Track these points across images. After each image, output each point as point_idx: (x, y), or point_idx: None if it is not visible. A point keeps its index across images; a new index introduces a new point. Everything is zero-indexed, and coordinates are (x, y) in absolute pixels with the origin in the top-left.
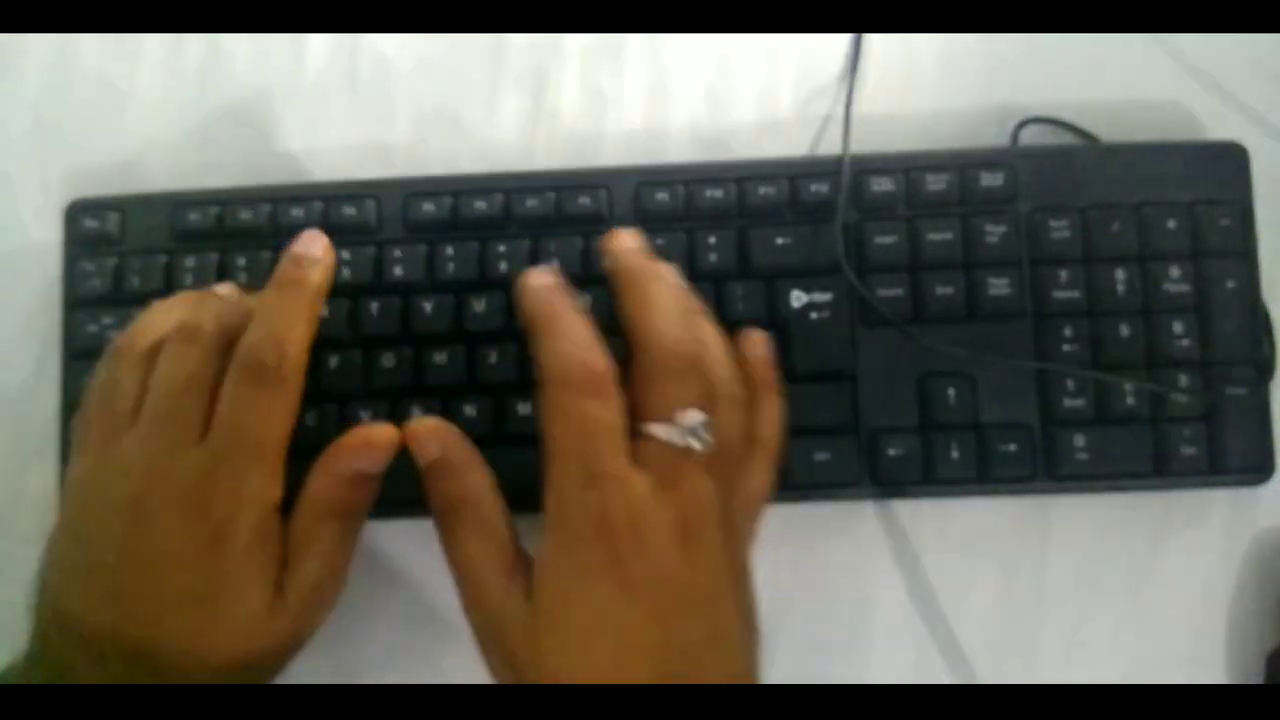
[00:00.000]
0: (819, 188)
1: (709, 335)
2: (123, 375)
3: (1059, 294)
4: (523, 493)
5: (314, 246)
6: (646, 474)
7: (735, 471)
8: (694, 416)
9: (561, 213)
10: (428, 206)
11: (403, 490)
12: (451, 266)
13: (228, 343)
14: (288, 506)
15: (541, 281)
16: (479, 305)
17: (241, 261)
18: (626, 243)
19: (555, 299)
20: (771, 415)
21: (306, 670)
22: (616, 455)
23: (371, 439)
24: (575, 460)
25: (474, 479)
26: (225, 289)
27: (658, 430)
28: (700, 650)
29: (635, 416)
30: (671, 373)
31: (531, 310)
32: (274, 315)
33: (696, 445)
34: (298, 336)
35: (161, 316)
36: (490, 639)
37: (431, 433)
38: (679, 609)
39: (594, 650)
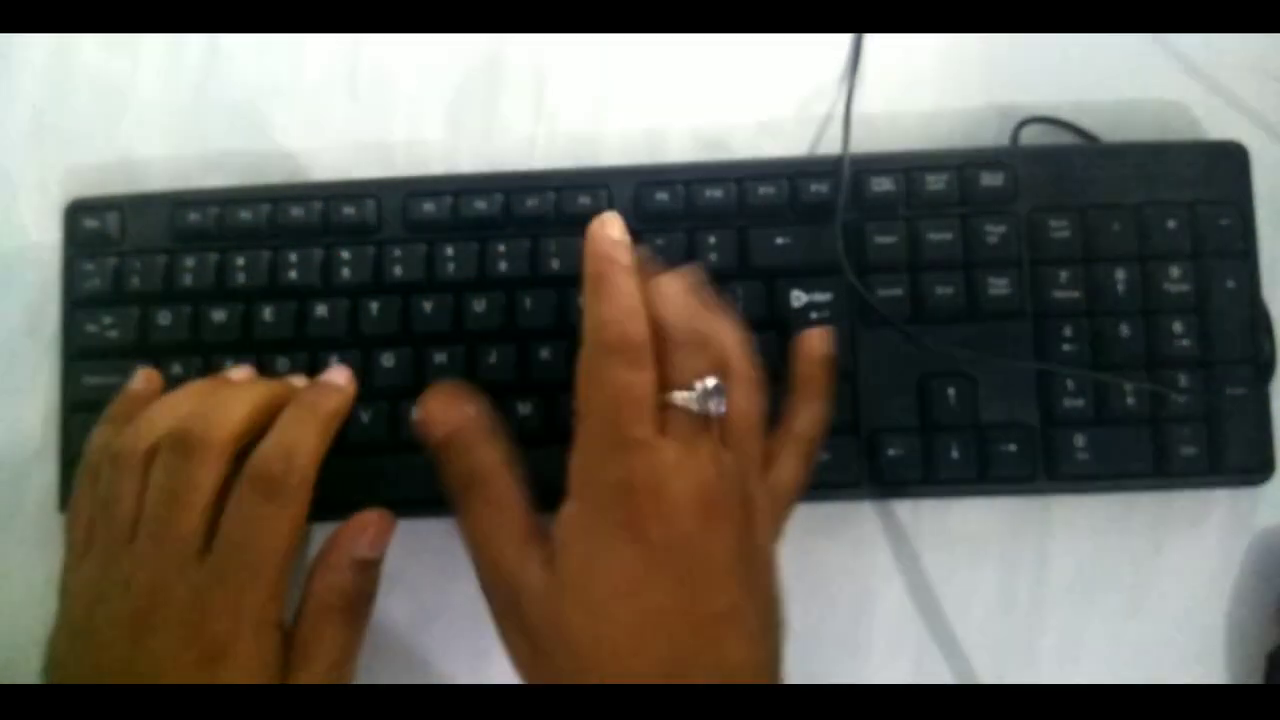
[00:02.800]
0: (819, 188)
1: (725, 323)
2: (123, 485)
3: (1059, 294)
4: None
5: (338, 376)
6: (672, 441)
7: (756, 454)
8: (712, 381)
9: (561, 213)
10: (428, 206)
11: (403, 491)
12: (451, 266)
13: (229, 449)
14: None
15: (603, 234)
16: (479, 305)
17: (241, 261)
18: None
19: (610, 257)
20: (812, 412)
21: None
22: (645, 423)
23: (369, 522)
24: (605, 425)
25: (484, 453)
26: (238, 373)
27: (678, 396)
28: (720, 625)
29: (660, 389)
30: (687, 344)
31: (588, 264)
32: (289, 428)
33: (713, 410)
34: (309, 450)
35: (163, 415)
36: (507, 610)
37: (442, 408)
38: (700, 579)
39: (615, 615)
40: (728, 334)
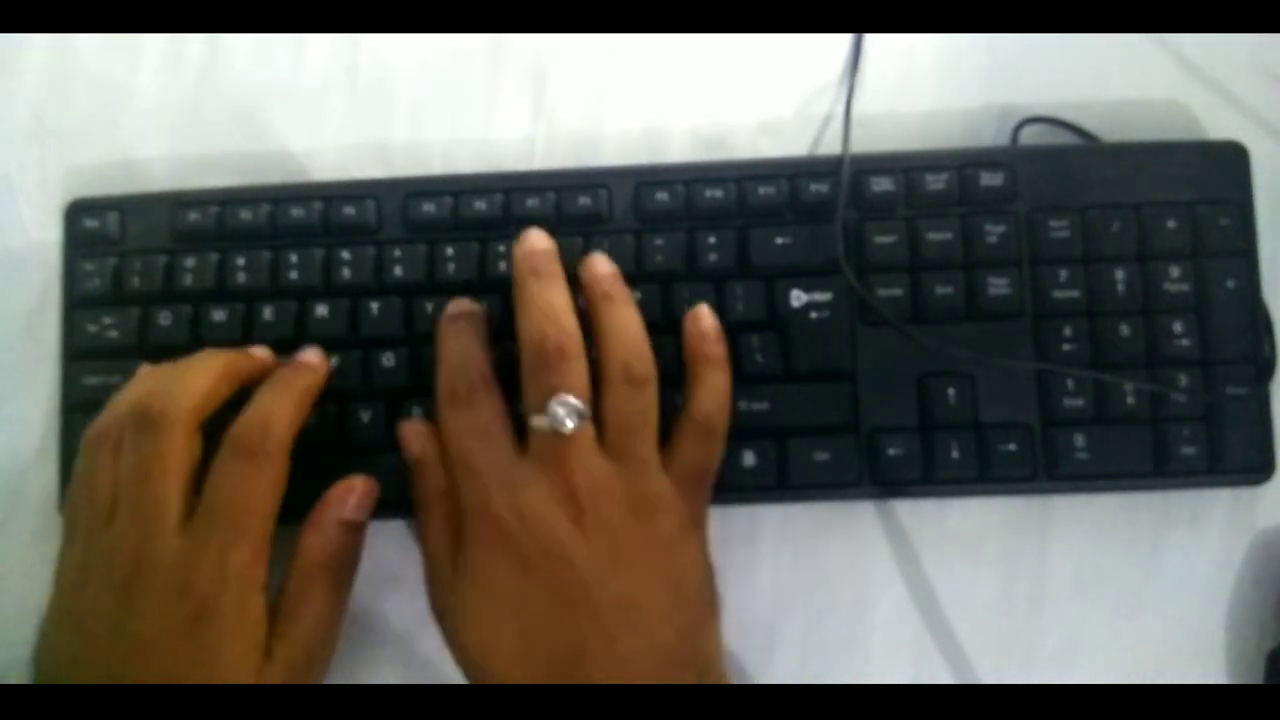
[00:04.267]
0: (819, 188)
1: (614, 320)
2: (98, 466)
3: (1059, 294)
4: None
5: (310, 355)
6: (528, 460)
7: (645, 450)
8: (560, 400)
9: (561, 213)
10: (428, 206)
11: (403, 491)
12: (451, 266)
13: (192, 418)
14: (292, 513)
15: (445, 312)
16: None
17: (241, 261)
18: (529, 243)
19: (446, 325)
20: (710, 389)
21: None
22: (490, 449)
23: (354, 485)
24: (460, 463)
25: (441, 477)
26: (204, 351)
27: (532, 420)
28: (609, 619)
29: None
30: (540, 367)
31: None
32: (264, 400)
33: (564, 429)
34: (284, 418)
35: (127, 397)
36: (436, 617)
37: (415, 433)
38: (578, 582)
39: (500, 627)
40: (618, 330)
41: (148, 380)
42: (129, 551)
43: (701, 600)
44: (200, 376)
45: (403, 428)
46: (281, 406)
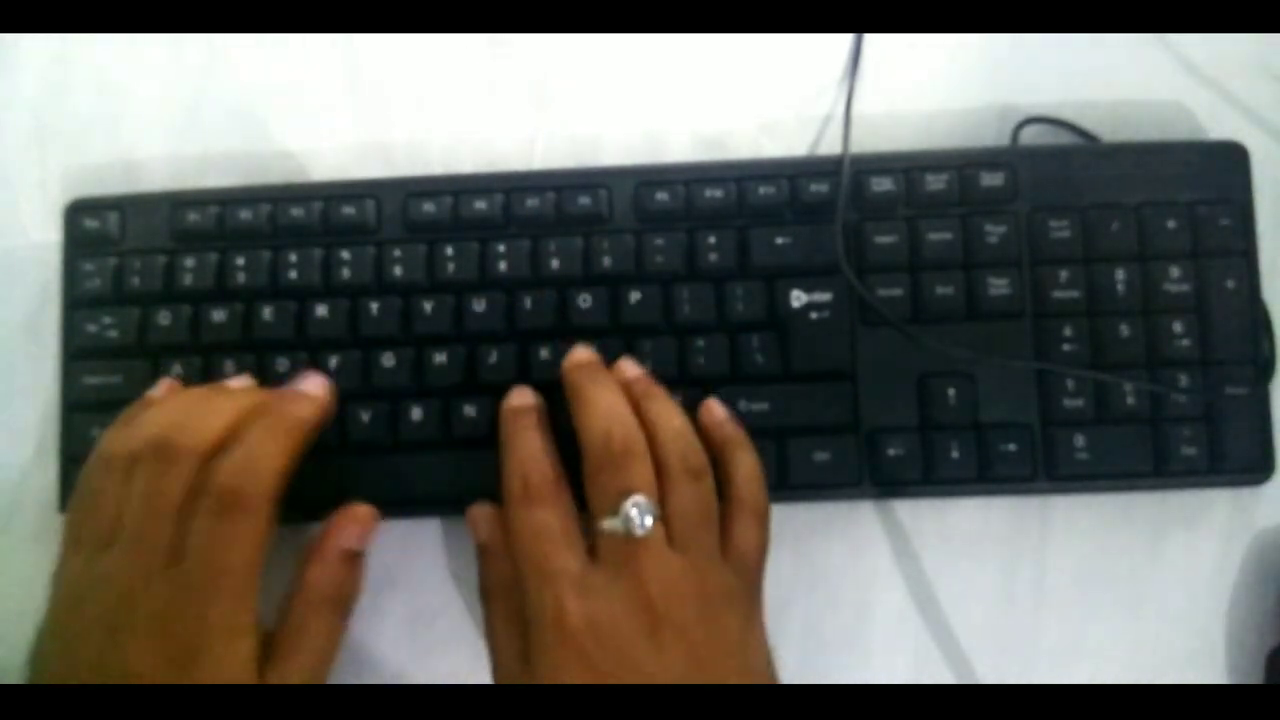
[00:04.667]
0: (819, 188)
1: (661, 415)
2: (106, 488)
3: (1059, 294)
4: None
5: (311, 384)
6: (601, 568)
7: (710, 541)
8: (633, 501)
9: (561, 213)
10: (428, 206)
11: (403, 491)
12: (451, 266)
13: (202, 459)
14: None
15: (509, 405)
16: (479, 305)
17: (241, 261)
18: (576, 357)
19: (514, 419)
20: (745, 471)
21: None
22: (564, 554)
23: (357, 514)
24: (530, 564)
25: (510, 568)
26: (237, 382)
27: (603, 524)
28: None
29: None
30: (606, 466)
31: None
32: (251, 441)
33: (639, 530)
34: (271, 464)
35: (151, 421)
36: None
37: (484, 518)
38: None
39: None
40: (666, 425)
41: (176, 408)
42: (120, 584)
43: (772, 681)
44: (222, 415)
45: (472, 511)
46: (268, 450)
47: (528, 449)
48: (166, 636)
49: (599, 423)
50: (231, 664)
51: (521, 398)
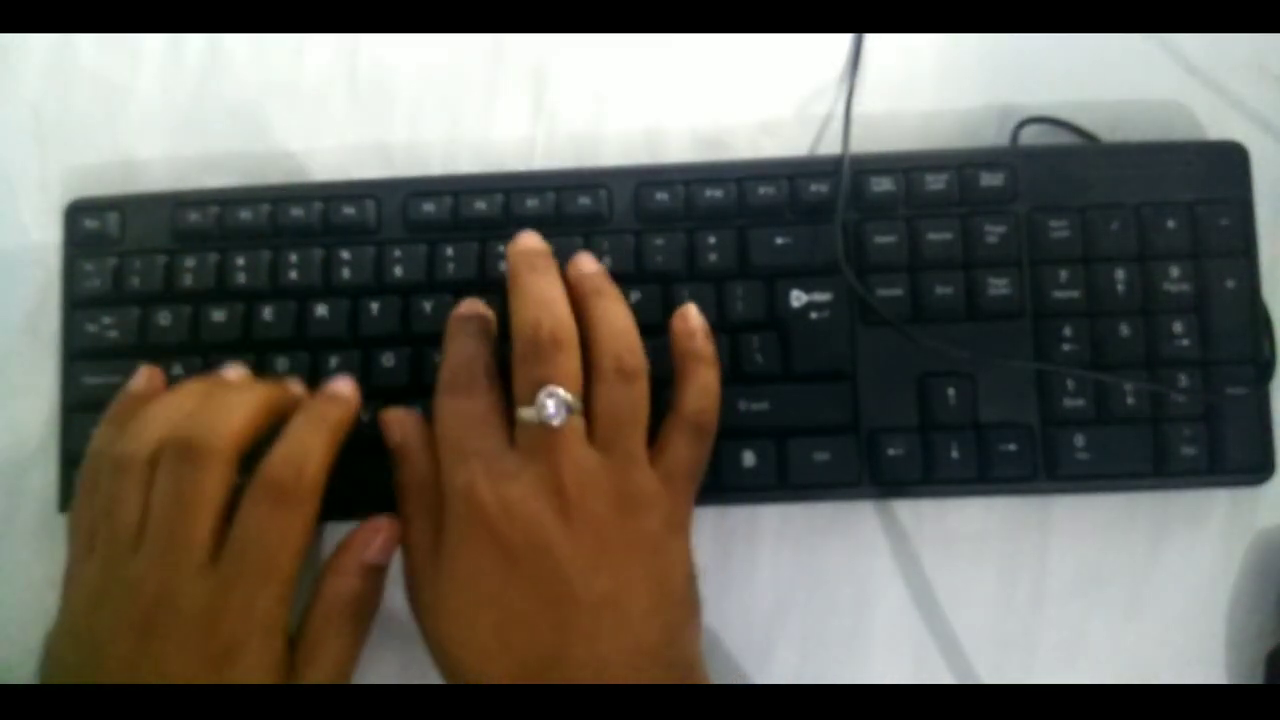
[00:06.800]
0: (819, 188)
1: (607, 313)
2: (126, 490)
3: (1059, 294)
4: None
5: (344, 387)
6: (516, 452)
7: (634, 445)
8: (548, 391)
9: (561, 213)
10: (428, 206)
11: None
12: (451, 266)
13: (234, 455)
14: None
15: (455, 312)
16: None
17: (241, 261)
18: (521, 243)
19: (455, 324)
20: (699, 387)
21: None
22: (483, 437)
23: (380, 527)
24: (448, 445)
25: (425, 465)
26: (234, 373)
27: (520, 412)
28: (588, 617)
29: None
30: (530, 356)
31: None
32: (297, 437)
33: (553, 422)
34: (318, 457)
35: (163, 418)
36: (413, 610)
37: (397, 420)
38: (561, 577)
39: (477, 622)
40: (608, 323)
41: (187, 403)
42: (153, 587)
43: (685, 601)
44: (245, 410)
45: (384, 414)
46: (315, 444)
47: (462, 349)
48: (207, 635)
49: (530, 311)
50: (265, 663)
51: (469, 306)
